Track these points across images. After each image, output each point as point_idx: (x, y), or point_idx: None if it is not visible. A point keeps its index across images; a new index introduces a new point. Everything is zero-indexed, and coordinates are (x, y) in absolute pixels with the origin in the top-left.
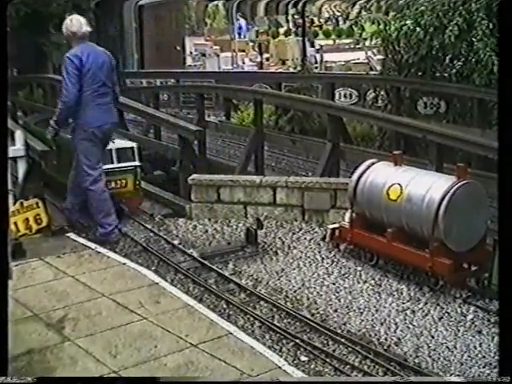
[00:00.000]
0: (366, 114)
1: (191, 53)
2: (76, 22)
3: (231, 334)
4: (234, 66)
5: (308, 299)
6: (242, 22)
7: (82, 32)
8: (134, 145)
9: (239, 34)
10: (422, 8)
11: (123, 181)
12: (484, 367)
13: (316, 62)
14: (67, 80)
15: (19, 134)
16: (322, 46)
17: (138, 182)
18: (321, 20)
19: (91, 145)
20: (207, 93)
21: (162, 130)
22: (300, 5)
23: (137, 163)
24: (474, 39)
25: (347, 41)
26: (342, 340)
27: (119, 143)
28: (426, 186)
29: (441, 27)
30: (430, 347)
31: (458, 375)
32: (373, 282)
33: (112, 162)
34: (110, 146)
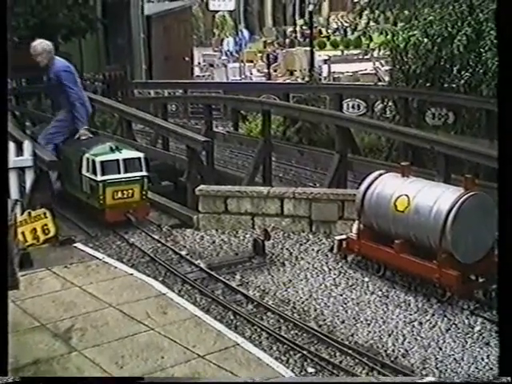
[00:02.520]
0: (373, 125)
1: (199, 63)
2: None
3: (238, 344)
4: (242, 76)
5: (315, 310)
6: (245, 32)
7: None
8: (141, 155)
9: (240, 44)
10: (431, 18)
11: (130, 191)
12: (492, 379)
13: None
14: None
15: (27, 145)
16: (330, 57)
17: (144, 192)
18: (329, 31)
19: None
20: (215, 103)
21: (170, 141)
22: (307, 15)
23: (144, 173)
24: (482, 49)
25: (355, 51)
26: (350, 351)
27: (126, 153)
28: (434, 198)
29: (449, 37)
30: (437, 359)
31: None
32: (380, 293)
33: (119, 172)
34: (117, 156)
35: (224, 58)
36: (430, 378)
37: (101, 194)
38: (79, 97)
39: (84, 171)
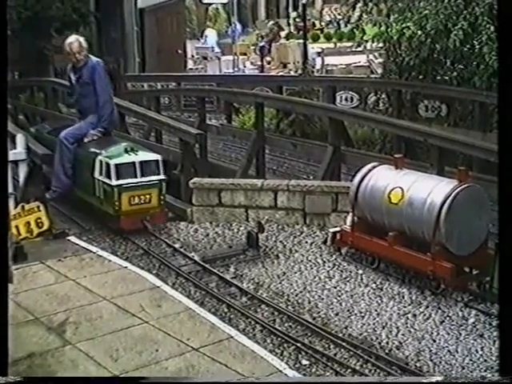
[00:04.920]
0: (367, 117)
1: (192, 56)
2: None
3: (232, 337)
4: (236, 69)
5: (309, 303)
6: (237, 25)
7: None
8: (159, 157)
9: (234, 37)
10: (426, 12)
11: (147, 196)
12: (485, 371)
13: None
14: None
15: (20, 138)
16: (323, 50)
17: (162, 197)
18: (322, 23)
19: None
20: (208, 96)
21: (163, 134)
22: (300, 8)
23: (162, 177)
24: (476, 42)
25: (348, 44)
26: (344, 344)
27: (143, 155)
28: (428, 190)
29: (444, 31)
30: (431, 351)
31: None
32: (374, 285)
33: (135, 176)
34: (133, 158)
35: (208, 52)
36: (437, 378)
37: (116, 199)
38: (109, 99)
39: (97, 175)
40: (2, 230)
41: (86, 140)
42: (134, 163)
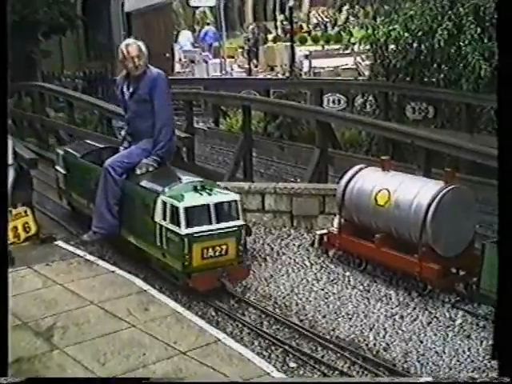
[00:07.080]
0: (354, 119)
1: (180, 59)
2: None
3: (220, 340)
4: (223, 72)
5: (297, 305)
6: (211, 29)
7: None
8: (237, 197)
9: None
10: (411, 13)
11: (223, 246)
12: (473, 371)
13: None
14: None
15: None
16: (310, 52)
17: (241, 248)
18: (309, 26)
19: None
20: (196, 99)
21: None
22: (287, 11)
23: (241, 222)
24: (461, 43)
25: (336, 46)
26: (331, 346)
27: (219, 196)
28: (414, 191)
29: (430, 32)
30: (418, 352)
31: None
32: (361, 287)
33: (210, 222)
34: (207, 199)
35: (196, 55)
36: (427, 378)
37: (186, 252)
38: (169, 122)
39: (158, 219)
40: (1, 234)
41: (138, 171)
42: (208, 206)
